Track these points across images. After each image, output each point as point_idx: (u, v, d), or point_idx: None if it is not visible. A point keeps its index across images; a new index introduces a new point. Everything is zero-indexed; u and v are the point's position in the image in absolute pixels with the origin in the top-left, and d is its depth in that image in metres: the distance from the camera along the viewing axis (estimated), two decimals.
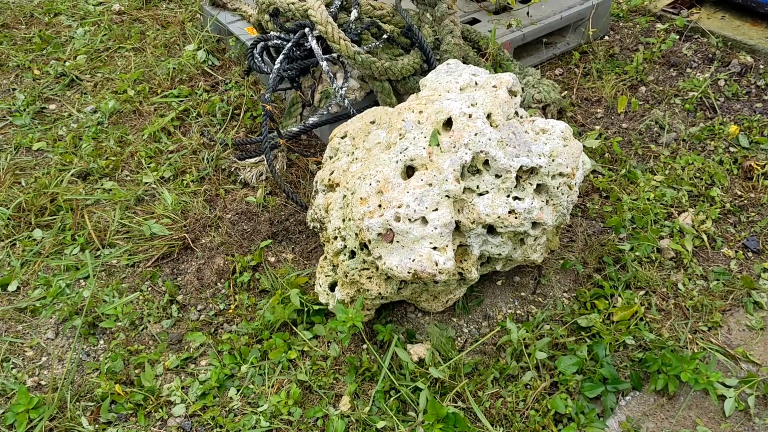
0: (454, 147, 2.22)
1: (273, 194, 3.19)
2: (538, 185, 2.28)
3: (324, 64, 3.11)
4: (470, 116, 2.27)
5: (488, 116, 2.31)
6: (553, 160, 2.25)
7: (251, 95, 3.70)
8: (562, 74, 3.99)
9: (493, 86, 2.50)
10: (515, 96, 2.53)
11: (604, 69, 3.94)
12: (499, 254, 2.37)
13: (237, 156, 3.34)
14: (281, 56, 3.16)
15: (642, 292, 2.67)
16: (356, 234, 2.30)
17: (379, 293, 2.36)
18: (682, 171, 3.20)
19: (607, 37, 4.27)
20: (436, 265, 2.15)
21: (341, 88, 3.16)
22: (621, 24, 4.39)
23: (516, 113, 2.46)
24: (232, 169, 3.30)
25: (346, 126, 2.77)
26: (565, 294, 2.71)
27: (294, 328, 2.55)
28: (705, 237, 2.88)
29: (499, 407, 2.29)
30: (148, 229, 2.96)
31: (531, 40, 3.94)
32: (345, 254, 2.37)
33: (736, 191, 3.10)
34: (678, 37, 4.16)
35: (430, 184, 2.17)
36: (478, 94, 2.36)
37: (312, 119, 3.23)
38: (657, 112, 3.60)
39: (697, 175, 3.17)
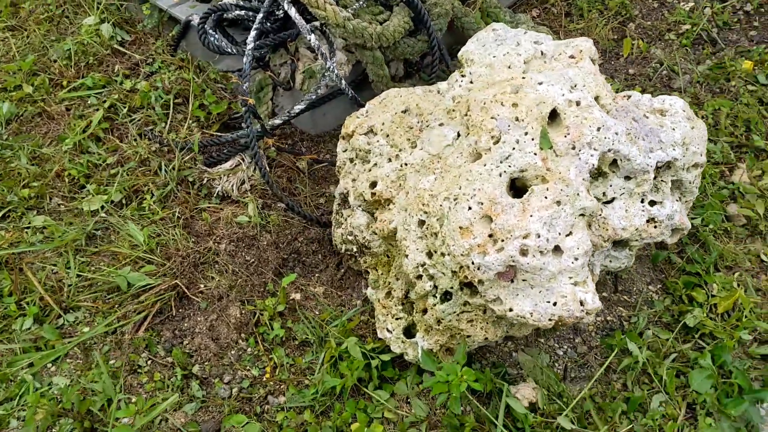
0: (574, 148, 1.73)
1: (267, 207, 2.55)
2: (672, 182, 1.85)
3: (312, 36, 2.46)
4: (578, 104, 1.78)
5: (596, 100, 1.84)
6: (687, 149, 1.82)
7: (194, 78, 2.95)
8: (539, 15, 3.54)
9: (570, 56, 2.02)
10: (596, 65, 2.06)
11: (583, 6, 3.53)
12: (618, 267, 1.95)
13: (204, 162, 2.64)
14: (254, 32, 2.47)
15: (735, 273, 2.36)
16: (453, 272, 1.78)
17: (486, 338, 1.88)
18: (712, 118, 2.90)
19: None
20: (582, 305, 1.69)
21: (332, 63, 2.53)
22: None
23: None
24: (204, 180, 2.60)
25: (367, 118, 2.20)
26: (649, 286, 2.35)
27: (363, 388, 2.02)
28: None
29: None
30: (124, 280, 2.25)
31: None
32: (436, 296, 1.85)
33: None
34: None
35: (558, 202, 1.68)
36: (572, 72, 1.87)
37: (298, 106, 2.59)
38: (658, 52, 3.26)
39: (732, 122, 2.88)
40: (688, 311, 2.22)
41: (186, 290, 2.26)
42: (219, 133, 2.75)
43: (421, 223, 1.85)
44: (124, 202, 2.56)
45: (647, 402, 2.02)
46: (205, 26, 2.62)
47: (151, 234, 2.39)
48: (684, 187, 1.88)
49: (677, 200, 1.86)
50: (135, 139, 2.75)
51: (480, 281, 1.72)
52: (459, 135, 1.92)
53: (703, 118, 2.91)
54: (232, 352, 2.14)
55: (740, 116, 2.88)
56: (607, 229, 1.78)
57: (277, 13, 2.56)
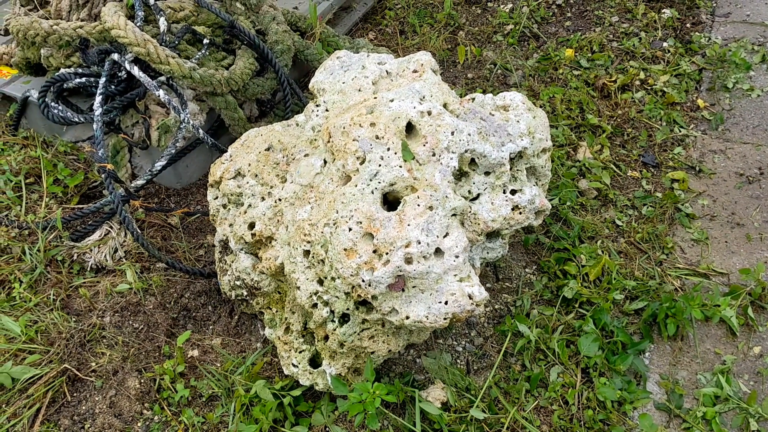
0: (434, 155, 1.84)
1: (146, 270, 2.50)
2: (526, 169, 2.00)
3: (161, 92, 2.45)
4: (430, 113, 1.90)
5: (445, 107, 1.96)
6: (533, 137, 1.98)
7: (42, 155, 2.84)
8: (376, 38, 3.69)
9: (414, 71, 2.14)
10: (437, 76, 2.19)
11: (414, 23, 3.72)
12: (495, 257, 2.07)
13: (71, 238, 2.55)
14: (99, 97, 2.42)
15: (597, 241, 2.57)
16: (346, 293, 1.84)
17: (389, 350, 1.94)
18: (549, 106, 3.14)
19: None
20: (471, 298, 1.78)
21: (186, 114, 2.53)
22: None
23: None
24: (74, 256, 2.51)
25: (232, 162, 2.22)
26: (526, 269, 2.51)
27: (280, 429, 2.02)
28: (613, 166, 2.86)
29: (556, 420, 2.04)
30: (7, 377, 2.12)
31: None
32: (334, 320, 1.89)
33: (606, 112, 3.13)
34: None
35: (431, 207, 1.78)
36: (418, 85, 1.98)
37: (160, 162, 2.56)
38: (490, 54, 3.49)
39: (567, 106, 3.13)
40: (564, 285, 2.39)
41: (77, 372, 2.17)
42: (81, 206, 2.66)
43: (307, 253, 1.89)
44: None
45: (546, 376, 2.16)
46: (46, 99, 2.53)
47: (27, 323, 2.27)
48: (538, 172, 2.04)
49: (534, 185, 2.02)
50: None
51: (374, 297, 1.78)
52: (326, 162, 1.98)
53: (540, 107, 3.15)
54: (138, 424, 2.08)
55: (573, 100, 3.15)
56: (479, 224, 1.89)
57: (119, 74, 2.53)
